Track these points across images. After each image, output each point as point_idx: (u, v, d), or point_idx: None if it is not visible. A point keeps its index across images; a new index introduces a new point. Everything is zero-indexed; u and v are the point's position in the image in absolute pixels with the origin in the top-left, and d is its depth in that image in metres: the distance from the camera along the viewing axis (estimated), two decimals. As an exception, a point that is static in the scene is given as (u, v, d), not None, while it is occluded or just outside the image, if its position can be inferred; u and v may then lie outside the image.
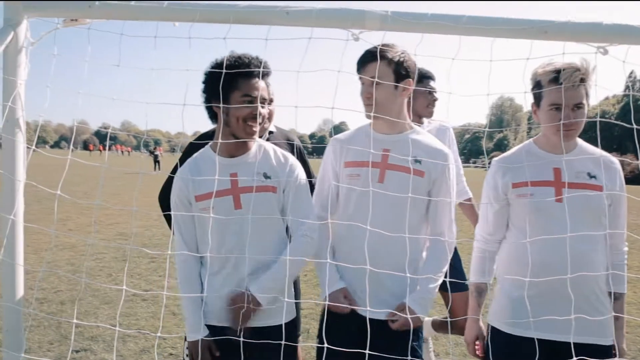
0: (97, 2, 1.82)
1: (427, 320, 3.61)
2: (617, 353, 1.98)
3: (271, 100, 2.78)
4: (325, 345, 1.74)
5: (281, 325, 1.92)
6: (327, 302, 2.13)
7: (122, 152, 75.42)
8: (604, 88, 1.86)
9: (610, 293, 2.00)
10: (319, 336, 2.07)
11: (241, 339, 1.84)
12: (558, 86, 1.87)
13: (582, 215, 1.92)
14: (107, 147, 2.37)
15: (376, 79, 1.99)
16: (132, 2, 1.85)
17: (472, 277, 2.19)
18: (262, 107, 2.01)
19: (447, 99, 1.91)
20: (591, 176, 1.98)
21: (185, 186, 2.06)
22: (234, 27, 1.83)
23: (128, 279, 6.17)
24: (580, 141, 2.05)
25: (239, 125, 1.98)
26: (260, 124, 2.00)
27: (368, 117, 2.11)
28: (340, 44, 1.76)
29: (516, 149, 2.14)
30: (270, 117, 2.79)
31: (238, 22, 1.82)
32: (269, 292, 1.98)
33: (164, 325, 4.63)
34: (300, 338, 2.94)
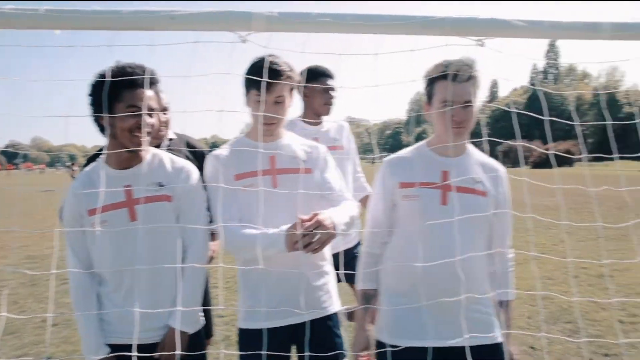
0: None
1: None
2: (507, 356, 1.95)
3: (165, 109, 2.72)
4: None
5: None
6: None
7: (30, 170, 70.74)
8: (507, 80, 1.95)
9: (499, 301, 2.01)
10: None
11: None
12: (447, 82, 1.89)
13: (465, 219, 1.89)
14: (11, 166, 2.22)
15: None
16: (5, 8, 1.72)
17: (359, 283, 2.09)
18: (150, 116, 1.94)
19: (345, 95, 1.93)
20: (477, 182, 1.99)
21: (77, 201, 1.97)
22: (120, 33, 1.75)
23: (37, 305, 5.79)
24: (470, 146, 2.08)
25: (125, 137, 1.91)
26: (149, 133, 1.94)
27: (267, 137, 2.14)
28: (228, 47, 1.73)
29: (408, 149, 2.14)
30: (166, 124, 2.71)
31: (122, 29, 1.74)
32: (192, 319, 1.98)
33: (77, 348, 4.38)
34: (209, 344, 2.92)
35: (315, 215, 1.88)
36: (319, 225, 1.84)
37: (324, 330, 2.13)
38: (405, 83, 1.82)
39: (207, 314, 2.60)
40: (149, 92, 1.94)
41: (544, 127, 1.84)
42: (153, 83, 1.98)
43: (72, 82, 1.81)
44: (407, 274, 1.93)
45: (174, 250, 1.99)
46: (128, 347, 1.86)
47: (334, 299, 2.21)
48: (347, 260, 2.77)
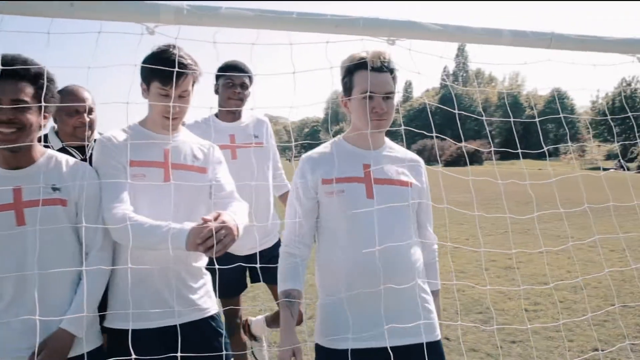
0: None
1: (259, 318, 3.60)
2: None
3: (91, 109, 2.56)
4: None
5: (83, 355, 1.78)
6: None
7: None
8: (419, 74, 1.94)
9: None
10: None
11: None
12: (367, 71, 1.85)
13: (393, 212, 1.88)
14: None
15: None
16: None
17: (281, 285, 1.97)
18: (18, 110, 1.76)
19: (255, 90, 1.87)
20: (399, 173, 1.98)
21: None
22: (9, 19, 1.60)
23: None
24: (387, 139, 2.08)
25: None
26: (19, 128, 1.75)
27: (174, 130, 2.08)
28: (135, 38, 1.64)
29: (326, 144, 2.09)
30: (92, 125, 2.56)
31: (12, 13, 1.59)
32: (81, 324, 1.80)
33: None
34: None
35: (219, 215, 1.82)
36: (223, 226, 1.78)
37: (208, 332, 2.09)
38: (322, 70, 1.80)
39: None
40: (23, 86, 1.76)
41: (455, 127, 1.91)
42: (35, 77, 1.79)
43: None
44: (338, 272, 1.90)
45: (66, 259, 1.84)
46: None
47: (214, 301, 2.17)
48: (267, 261, 2.73)
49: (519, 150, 2.13)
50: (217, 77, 3.17)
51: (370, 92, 1.86)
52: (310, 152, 2.07)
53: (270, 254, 3.11)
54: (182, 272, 2.03)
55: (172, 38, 1.70)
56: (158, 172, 2.01)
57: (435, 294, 2.09)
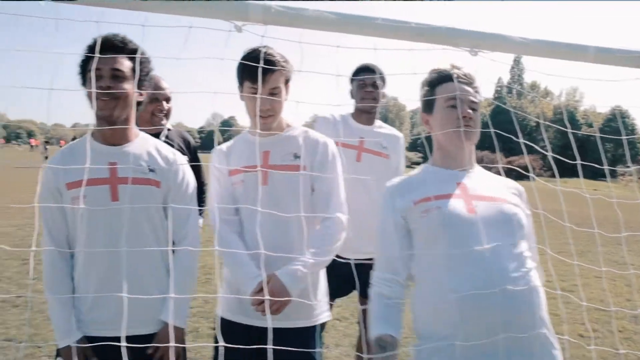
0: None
1: None
2: None
3: (168, 98, 2.70)
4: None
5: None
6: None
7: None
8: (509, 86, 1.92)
9: None
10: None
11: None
12: (451, 83, 1.75)
13: (501, 231, 1.63)
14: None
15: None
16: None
17: (374, 329, 1.69)
18: (117, 79, 1.85)
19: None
20: (499, 191, 1.77)
21: (54, 175, 1.87)
22: (109, 11, 1.71)
23: (-6, 284, 5.59)
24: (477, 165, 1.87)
25: (95, 104, 1.81)
26: (116, 98, 1.83)
27: (264, 130, 2.08)
28: (223, 35, 1.72)
29: (412, 172, 1.93)
30: (168, 114, 2.70)
31: (112, 6, 1.70)
32: (184, 314, 1.93)
33: (39, 332, 4.25)
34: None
35: (269, 279, 1.87)
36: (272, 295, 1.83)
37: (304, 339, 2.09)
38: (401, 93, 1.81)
39: None
40: (125, 61, 1.87)
41: (506, 140, 1.87)
42: (130, 51, 1.88)
43: (56, 56, 1.74)
44: (447, 310, 1.57)
45: (156, 239, 1.91)
46: (106, 340, 1.74)
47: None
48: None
49: (578, 162, 1.85)
50: (351, 81, 3.21)
51: (455, 100, 1.74)
52: (394, 180, 1.89)
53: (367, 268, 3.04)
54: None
55: (258, 36, 1.77)
56: (255, 176, 2.05)
57: None
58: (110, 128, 1.86)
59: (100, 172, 1.83)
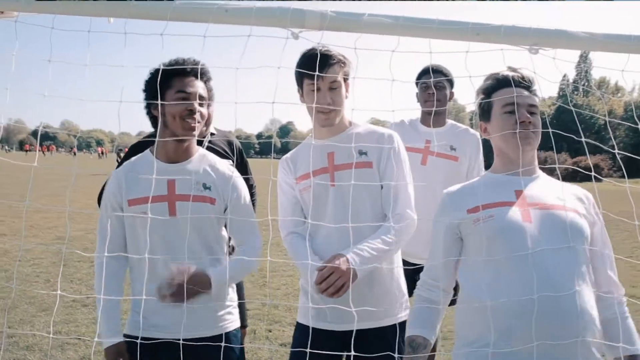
0: (24, -6, 1.72)
1: None
2: None
3: (209, 104, 2.76)
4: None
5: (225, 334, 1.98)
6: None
7: (49, 152, 71.70)
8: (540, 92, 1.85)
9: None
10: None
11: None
12: (508, 88, 1.70)
13: (558, 242, 1.55)
14: (45, 148, 2.28)
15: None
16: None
17: (409, 329, 1.76)
18: (201, 105, 1.97)
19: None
20: (560, 199, 1.67)
21: (118, 189, 2.00)
22: (171, 24, 1.78)
23: (67, 285, 5.93)
24: (540, 171, 1.81)
25: (175, 123, 1.93)
26: (198, 122, 1.96)
27: (324, 126, 2.07)
28: (280, 42, 1.75)
29: (469, 182, 1.88)
30: (208, 119, 2.75)
31: (175, 19, 1.77)
32: (222, 282, 1.93)
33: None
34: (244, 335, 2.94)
35: (335, 257, 1.87)
36: (334, 271, 1.82)
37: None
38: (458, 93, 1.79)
39: (240, 306, 2.64)
40: (198, 82, 1.97)
41: (571, 139, 1.79)
42: (204, 74, 2.00)
43: (122, 72, 1.83)
44: (483, 316, 1.55)
45: (205, 253, 2.00)
46: (165, 342, 1.86)
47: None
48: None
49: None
50: (416, 84, 3.18)
51: (513, 106, 1.68)
52: (451, 188, 1.85)
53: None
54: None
55: (314, 42, 1.79)
56: (322, 178, 2.06)
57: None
58: (179, 145, 2.00)
59: (160, 190, 1.94)
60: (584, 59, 70.04)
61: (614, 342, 1.58)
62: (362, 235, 1.97)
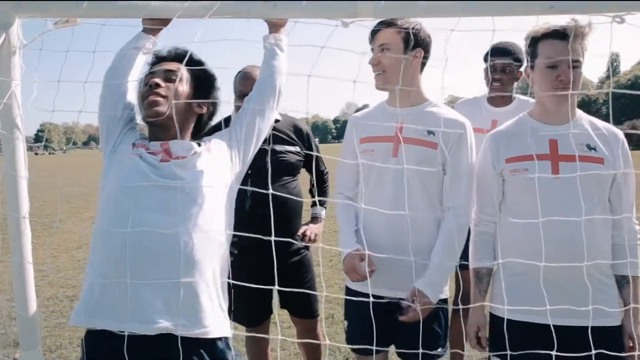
0: (85, 2, 1.76)
1: None
2: (630, 341, 1.84)
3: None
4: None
5: None
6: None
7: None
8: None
9: (621, 276, 1.87)
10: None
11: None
12: (554, 40, 1.78)
13: (582, 191, 1.74)
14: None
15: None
16: (120, 2, 1.79)
17: (472, 262, 2.04)
18: (169, 80, 1.78)
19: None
20: (591, 148, 1.83)
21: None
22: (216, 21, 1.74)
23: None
24: (579, 111, 1.92)
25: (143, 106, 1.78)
26: (163, 96, 1.74)
27: (378, 88, 2.08)
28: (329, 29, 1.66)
29: (510, 122, 2.03)
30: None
31: (218, 16, 1.72)
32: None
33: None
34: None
35: (414, 291, 1.95)
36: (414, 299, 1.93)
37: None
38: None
39: (311, 296, 2.65)
40: (177, 64, 1.80)
41: None
42: (184, 58, 1.78)
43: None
44: (519, 251, 1.84)
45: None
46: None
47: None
48: None
49: None
50: (485, 62, 3.04)
51: (555, 61, 1.78)
52: (494, 130, 2.06)
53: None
54: None
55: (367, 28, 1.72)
56: (387, 146, 2.05)
57: (630, 279, 1.87)
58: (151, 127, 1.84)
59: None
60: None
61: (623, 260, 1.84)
62: (413, 204, 1.95)
